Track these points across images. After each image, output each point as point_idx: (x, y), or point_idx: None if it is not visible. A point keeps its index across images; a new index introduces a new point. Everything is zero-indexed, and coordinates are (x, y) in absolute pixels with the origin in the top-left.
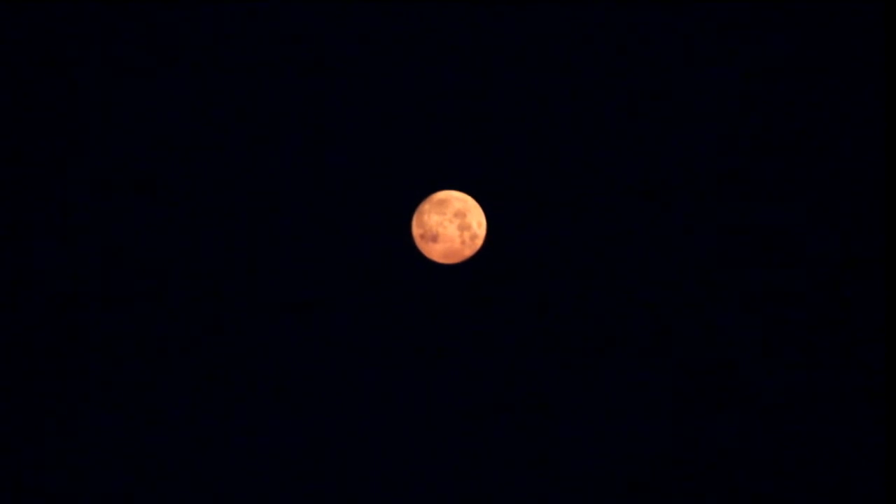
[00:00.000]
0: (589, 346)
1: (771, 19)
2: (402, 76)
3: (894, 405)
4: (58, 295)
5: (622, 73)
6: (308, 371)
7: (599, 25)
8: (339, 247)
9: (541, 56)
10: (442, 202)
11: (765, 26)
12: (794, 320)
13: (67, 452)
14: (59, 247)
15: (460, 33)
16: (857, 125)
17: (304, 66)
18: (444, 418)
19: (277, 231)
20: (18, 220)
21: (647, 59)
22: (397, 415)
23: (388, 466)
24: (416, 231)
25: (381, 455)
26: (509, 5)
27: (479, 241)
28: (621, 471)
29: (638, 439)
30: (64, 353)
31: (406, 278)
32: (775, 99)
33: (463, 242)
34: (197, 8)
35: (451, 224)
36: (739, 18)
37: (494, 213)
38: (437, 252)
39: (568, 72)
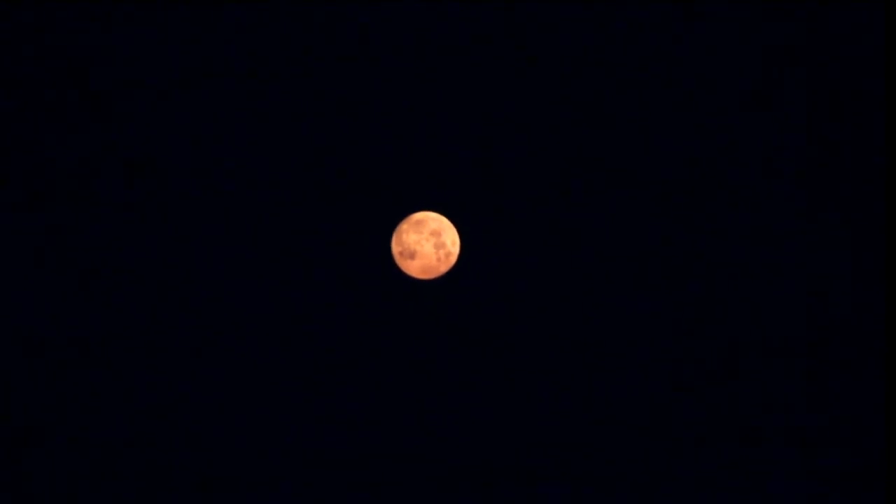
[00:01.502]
0: (559, 357)
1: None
2: (383, 107)
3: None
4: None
5: (594, 93)
6: (290, 383)
7: (569, 49)
8: (324, 263)
9: (511, 84)
10: (419, 222)
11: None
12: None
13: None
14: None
15: (441, 59)
16: (858, 125)
17: (287, 89)
18: (422, 427)
19: (266, 249)
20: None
21: (623, 78)
22: (378, 424)
23: (366, 476)
24: (395, 249)
25: (359, 466)
26: (484, 32)
27: (454, 258)
28: (603, 476)
29: (618, 449)
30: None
31: (386, 292)
32: (773, 100)
33: (438, 259)
34: (172, 26)
35: (428, 242)
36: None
37: (467, 232)
38: (415, 268)
39: (537, 97)
